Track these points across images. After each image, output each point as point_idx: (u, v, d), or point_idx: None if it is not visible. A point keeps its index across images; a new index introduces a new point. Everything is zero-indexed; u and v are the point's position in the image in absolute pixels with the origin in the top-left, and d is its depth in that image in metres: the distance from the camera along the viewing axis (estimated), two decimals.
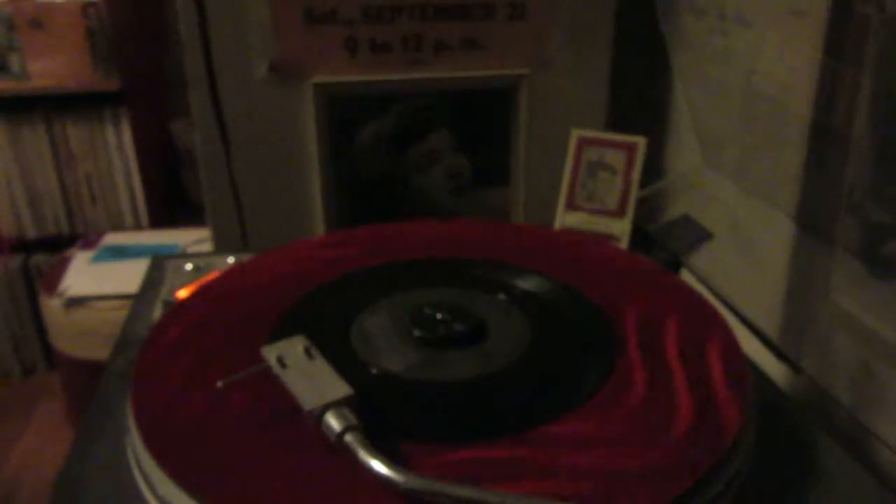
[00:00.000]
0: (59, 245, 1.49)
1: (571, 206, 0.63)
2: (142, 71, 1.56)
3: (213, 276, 0.48)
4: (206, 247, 0.76)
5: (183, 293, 0.48)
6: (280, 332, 0.39)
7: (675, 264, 0.69)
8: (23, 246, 1.56)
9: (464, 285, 0.45)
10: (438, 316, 0.40)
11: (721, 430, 0.32)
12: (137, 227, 1.57)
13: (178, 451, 0.30)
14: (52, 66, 1.44)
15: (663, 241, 0.71)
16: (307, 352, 0.35)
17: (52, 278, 1.32)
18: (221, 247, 0.71)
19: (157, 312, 0.48)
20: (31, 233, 1.55)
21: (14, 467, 1.34)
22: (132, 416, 0.33)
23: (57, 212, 1.55)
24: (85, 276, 1.31)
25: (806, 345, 0.53)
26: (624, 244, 0.61)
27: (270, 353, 0.34)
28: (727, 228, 0.64)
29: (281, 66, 0.67)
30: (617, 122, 0.75)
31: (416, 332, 0.39)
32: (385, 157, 0.73)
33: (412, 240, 0.51)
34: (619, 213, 0.61)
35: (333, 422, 0.30)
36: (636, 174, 0.61)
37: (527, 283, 0.46)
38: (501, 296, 0.44)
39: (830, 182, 0.50)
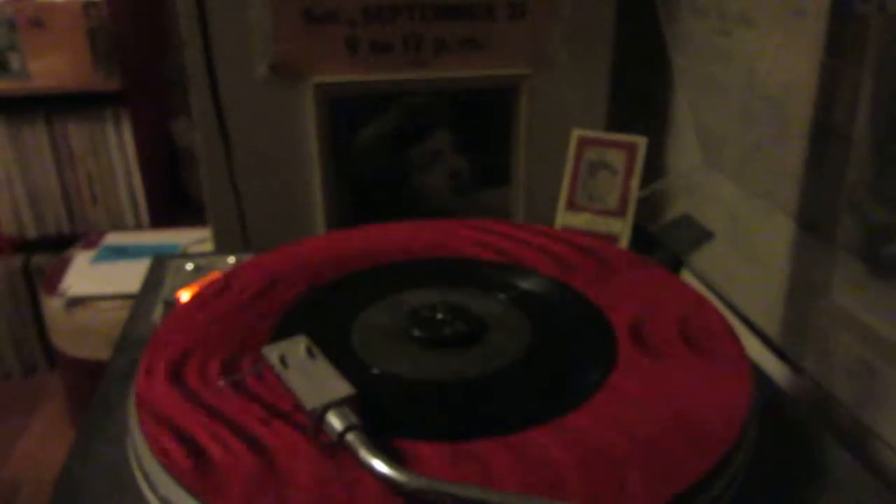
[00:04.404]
0: (59, 245, 1.49)
1: (572, 206, 0.63)
2: (142, 71, 1.56)
3: (214, 275, 0.48)
4: (207, 246, 0.76)
5: (184, 293, 0.48)
6: (281, 331, 0.39)
7: (676, 264, 0.69)
8: (24, 246, 1.56)
9: (464, 285, 0.45)
10: (439, 316, 0.40)
11: (722, 430, 0.32)
12: (138, 226, 1.57)
13: (178, 451, 0.31)
14: (52, 66, 1.44)
15: (663, 241, 0.71)
16: (308, 351, 0.35)
17: (53, 278, 1.32)
18: (222, 246, 0.71)
19: (158, 312, 0.49)
20: (32, 233, 1.56)
21: (15, 467, 1.34)
22: (133, 415, 0.34)
23: (58, 211, 1.55)
24: (86, 275, 1.31)
25: (806, 344, 0.53)
26: (624, 244, 0.61)
27: (272, 353, 0.35)
28: (727, 228, 0.64)
29: (281, 65, 0.67)
30: (617, 122, 0.75)
31: (417, 332, 0.39)
32: (385, 157, 0.73)
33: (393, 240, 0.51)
34: (620, 212, 0.62)
35: (335, 421, 0.30)
36: (636, 174, 0.61)
37: (527, 283, 0.46)
38: (501, 296, 0.44)
39: (830, 182, 0.50)
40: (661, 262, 0.48)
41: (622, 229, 0.61)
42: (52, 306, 1.26)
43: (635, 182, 0.61)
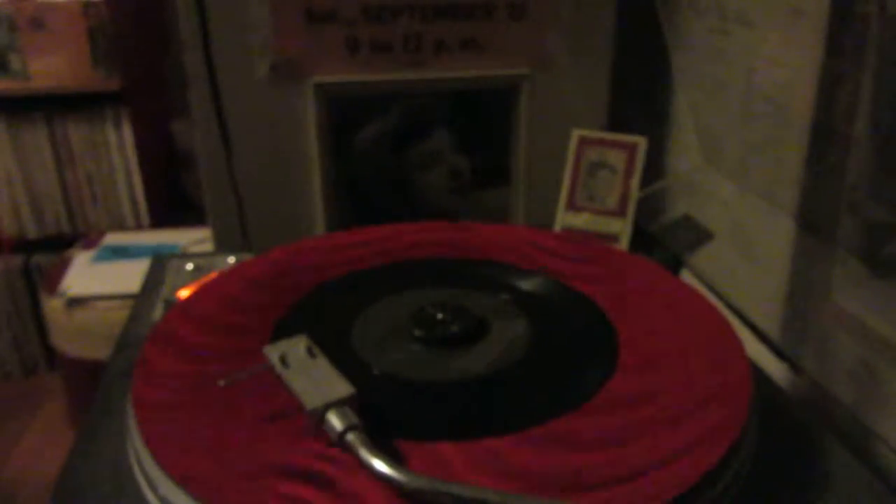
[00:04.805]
0: (59, 245, 1.49)
1: (572, 206, 0.63)
2: (142, 71, 1.56)
3: (214, 275, 0.48)
4: (207, 247, 0.76)
5: (184, 293, 0.48)
6: (282, 331, 0.39)
7: (676, 264, 0.69)
8: (24, 246, 1.56)
9: (464, 285, 0.45)
10: (439, 316, 0.40)
11: (721, 430, 0.32)
12: (138, 226, 1.57)
13: (178, 451, 0.31)
14: (52, 66, 1.44)
15: (663, 241, 0.71)
16: (309, 351, 0.35)
17: (53, 278, 1.32)
18: (222, 246, 0.71)
19: (158, 312, 0.49)
20: (32, 233, 1.55)
21: (15, 467, 1.34)
22: (133, 416, 0.34)
23: (58, 212, 1.55)
24: (86, 275, 1.31)
25: (806, 344, 0.53)
26: (624, 244, 0.61)
27: (272, 353, 0.35)
28: (727, 228, 0.64)
29: (281, 65, 0.67)
30: (617, 122, 0.75)
31: (418, 332, 0.39)
32: (385, 157, 0.73)
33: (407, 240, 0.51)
34: (620, 213, 0.62)
35: (335, 421, 0.30)
36: (636, 174, 0.61)
37: (527, 283, 0.46)
38: (502, 296, 0.44)
39: (831, 182, 0.50)
40: (661, 261, 0.48)
41: (622, 229, 0.61)
42: (53, 306, 1.26)
43: (635, 182, 0.61)
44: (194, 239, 1.37)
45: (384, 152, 0.73)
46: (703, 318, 0.41)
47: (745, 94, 0.60)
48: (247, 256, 0.54)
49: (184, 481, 0.29)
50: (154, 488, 0.31)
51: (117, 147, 1.52)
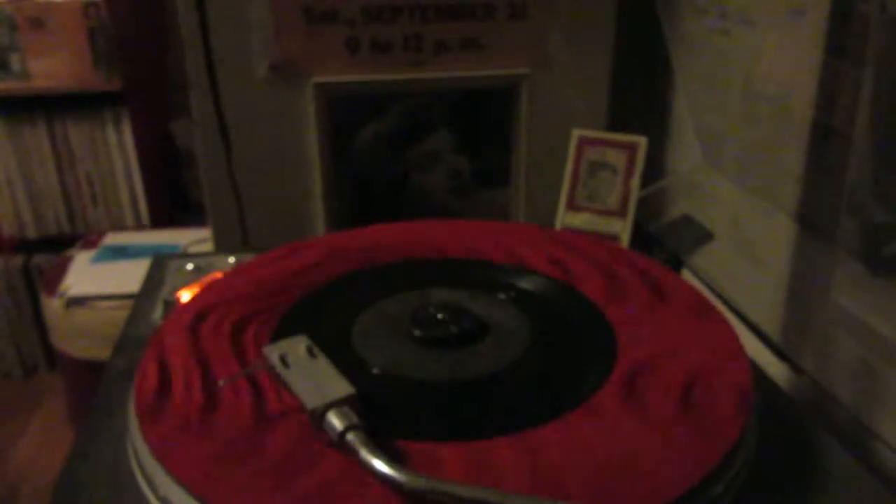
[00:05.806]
0: (59, 245, 1.49)
1: (572, 206, 0.63)
2: (142, 71, 1.56)
3: (214, 275, 0.48)
4: (207, 246, 0.76)
5: (184, 293, 0.48)
6: (282, 331, 0.39)
7: (676, 264, 0.69)
8: (24, 246, 1.56)
9: (464, 285, 0.45)
10: (439, 316, 0.40)
11: (721, 430, 0.32)
12: (138, 226, 1.57)
13: (178, 451, 0.31)
14: (53, 66, 1.44)
15: (664, 241, 0.71)
16: (309, 351, 0.35)
17: (53, 278, 1.32)
18: (222, 247, 0.71)
19: (158, 312, 0.48)
20: (32, 233, 1.55)
21: (15, 468, 1.34)
22: (133, 416, 0.34)
23: (58, 212, 1.55)
24: (86, 275, 1.31)
25: (806, 344, 0.53)
26: (624, 244, 0.61)
27: (273, 353, 0.35)
28: (727, 228, 0.64)
29: (281, 65, 0.67)
30: (617, 121, 0.75)
31: (417, 332, 0.39)
32: (385, 157, 0.73)
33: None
34: (620, 212, 0.61)
35: (335, 421, 0.30)
36: (637, 174, 0.61)
37: (527, 283, 0.46)
38: (502, 296, 0.44)
39: (831, 182, 0.50)
40: (661, 261, 0.48)
41: (622, 229, 0.61)
42: (53, 306, 1.26)
43: (635, 182, 0.61)
44: (194, 239, 1.37)
45: (384, 152, 0.73)
46: (703, 317, 0.41)
47: (745, 94, 0.60)
48: (247, 256, 0.54)
49: (184, 481, 0.29)
50: (154, 488, 0.31)
51: (117, 147, 1.52)
